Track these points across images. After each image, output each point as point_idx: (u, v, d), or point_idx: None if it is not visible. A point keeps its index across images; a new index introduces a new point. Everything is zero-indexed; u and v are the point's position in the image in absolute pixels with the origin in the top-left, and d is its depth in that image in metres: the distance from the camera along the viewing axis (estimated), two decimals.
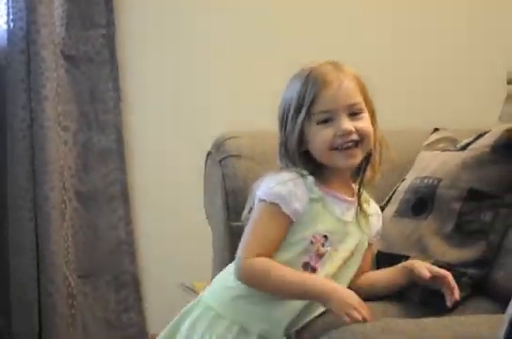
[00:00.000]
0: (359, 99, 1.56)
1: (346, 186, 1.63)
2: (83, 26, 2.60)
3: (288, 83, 1.60)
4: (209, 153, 2.13)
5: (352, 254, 1.61)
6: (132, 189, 2.72)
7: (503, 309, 1.18)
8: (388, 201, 1.93)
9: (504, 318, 1.09)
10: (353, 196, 1.63)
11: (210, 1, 2.62)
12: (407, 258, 1.74)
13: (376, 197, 2.08)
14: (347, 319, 1.45)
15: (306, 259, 1.56)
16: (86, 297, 2.69)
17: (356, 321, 1.45)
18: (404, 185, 1.89)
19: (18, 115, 2.53)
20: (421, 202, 1.79)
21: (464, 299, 1.66)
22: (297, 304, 1.56)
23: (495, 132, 1.75)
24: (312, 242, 1.56)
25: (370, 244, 1.68)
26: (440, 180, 1.77)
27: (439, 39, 2.70)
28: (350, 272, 1.63)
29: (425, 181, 1.81)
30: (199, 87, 2.63)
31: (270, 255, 1.54)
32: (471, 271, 1.68)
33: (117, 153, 2.67)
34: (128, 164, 2.70)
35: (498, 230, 1.71)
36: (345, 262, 1.60)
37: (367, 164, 1.61)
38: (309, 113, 1.54)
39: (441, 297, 1.63)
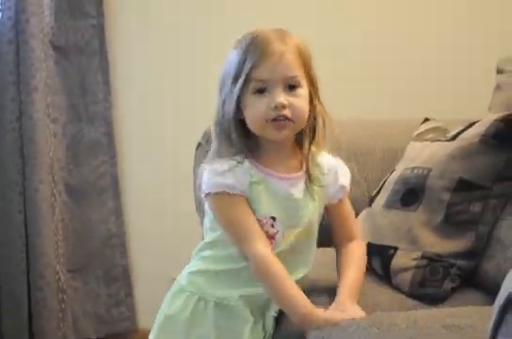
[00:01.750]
0: (298, 73, 1.54)
1: (288, 161, 1.62)
2: (72, 16, 2.58)
3: (232, 48, 1.58)
4: (199, 145, 2.15)
5: (310, 225, 1.61)
6: (122, 182, 2.71)
7: (492, 300, 1.17)
8: (378, 192, 1.92)
9: (494, 309, 1.07)
10: (300, 169, 1.61)
11: None
12: (396, 249, 1.73)
13: (367, 188, 2.09)
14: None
15: None
16: (76, 291, 2.68)
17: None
18: (393, 176, 1.88)
19: (7, 107, 2.52)
20: (410, 193, 1.78)
21: (454, 291, 1.66)
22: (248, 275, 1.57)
23: (485, 122, 1.73)
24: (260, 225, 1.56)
25: (340, 201, 1.65)
26: (429, 170, 1.76)
27: (429, 28, 2.69)
28: (312, 241, 1.63)
29: (415, 171, 1.80)
30: (189, 79, 2.62)
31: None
32: (460, 262, 1.68)
33: (107, 146, 2.66)
34: (118, 156, 2.69)
35: (487, 221, 1.70)
36: (303, 236, 1.60)
37: (312, 139, 1.61)
38: (247, 81, 1.52)
39: (431, 288, 1.62)
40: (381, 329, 1.39)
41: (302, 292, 1.52)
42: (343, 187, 1.65)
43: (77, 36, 2.60)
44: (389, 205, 1.83)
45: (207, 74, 2.65)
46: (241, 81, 1.52)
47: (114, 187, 2.68)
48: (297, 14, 2.61)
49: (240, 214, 1.55)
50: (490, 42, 2.63)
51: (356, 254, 1.65)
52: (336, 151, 1.68)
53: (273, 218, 1.57)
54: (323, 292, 1.65)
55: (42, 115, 2.53)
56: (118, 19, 2.66)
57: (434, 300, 1.63)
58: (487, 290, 1.65)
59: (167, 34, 2.67)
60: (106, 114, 2.65)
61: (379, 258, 1.77)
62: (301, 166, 1.62)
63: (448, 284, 1.66)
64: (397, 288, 1.70)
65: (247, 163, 1.57)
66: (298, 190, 1.60)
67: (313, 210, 1.62)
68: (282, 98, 1.52)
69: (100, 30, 2.60)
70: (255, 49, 1.52)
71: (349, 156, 2.15)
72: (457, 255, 1.68)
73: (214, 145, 1.61)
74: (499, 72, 2.09)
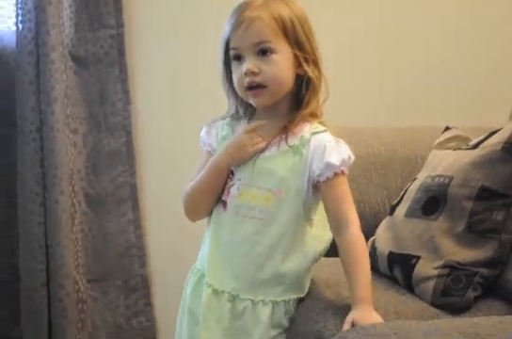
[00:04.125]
0: (270, 38, 1.58)
1: (274, 126, 1.64)
2: (91, 27, 2.58)
3: None
4: None
5: (278, 191, 1.61)
6: (141, 192, 2.71)
7: None
8: (399, 201, 1.92)
9: None
10: (282, 135, 1.64)
11: (221, 1, 2.60)
12: (418, 258, 1.72)
13: (387, 197, 2.08)
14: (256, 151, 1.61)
15: (220, 194, 1.67)
16: (95, 301, 2.68)
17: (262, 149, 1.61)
18: (415, 185, 1.88)
19: (27, 117, 2.52)
20: (432, 201, 1.77)
21: (476, 300, 1.65)
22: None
23: (506, 130, 1.73)
24: None
25: (330, 181, 1.61)
26: (451, 178, 1.75)
27: (449, 35, 2.69)
28: (282, 211, 1.62)
29: (437, 179, 1.79)
30: (208, 88, 2.61)
31: None
32: (482, 271, 1.67)
33: (126, 156, 2.66)
34: (138, 167, 2.69)
35: (510, 229, 1.69)
36: (261, 200, 1.62)
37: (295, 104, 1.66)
38: (227, 49, 1.62)
39: (453, 297, 1.61)
40: (399, 335, 1.38)
41: None
42: (329, 165, 1.59)
43: (96, 46, 2.60)
44: (410, 214, 1.83)
45: None
46: (222, 50, 1.63)
47: (133, 198, 2.68)
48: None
49: (201, 163, 1.71)
50: (510, 51, 2.62)
51: (357, 249, 1.60)
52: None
53: (231, 172, 1.65)
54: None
55: (62, 125, 2.53)
56: (137, 29, 2.65)
57: (457, 309, 1.63)
58: (509, 299, 1.64)
59: (185, 44, 2.68)
60: (126, 124, 2.65)
61: (401, 267, 1.77)
62: (290, 131, 1.64)
63: (471, 293, 1.65)
64: (420, 297, 1.69)
65: (227, 120, 1.70)
66: (268, 152, 1.63)
67: (282, 177, 1.61)
68: (251, 64, 1.58)
69: (119, 41, 2.60)
70: (231, 18, 1.61)
71: (369, 165, 2.15)
72: (480, 264, 1.67)
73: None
74: None
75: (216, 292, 1.64)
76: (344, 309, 1.62)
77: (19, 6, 2.48)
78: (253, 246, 1.63)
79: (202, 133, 1.74)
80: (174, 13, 2.66)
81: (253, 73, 1.58)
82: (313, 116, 1.65)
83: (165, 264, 2.74)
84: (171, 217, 2.72)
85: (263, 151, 1.63)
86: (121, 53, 2.62)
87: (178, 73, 2.68)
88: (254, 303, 1.64)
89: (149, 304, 2.72)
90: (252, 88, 1.59)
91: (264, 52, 1.58)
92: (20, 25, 2.49)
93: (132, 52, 2.65)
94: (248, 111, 1.70)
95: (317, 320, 1.63)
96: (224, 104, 1.75)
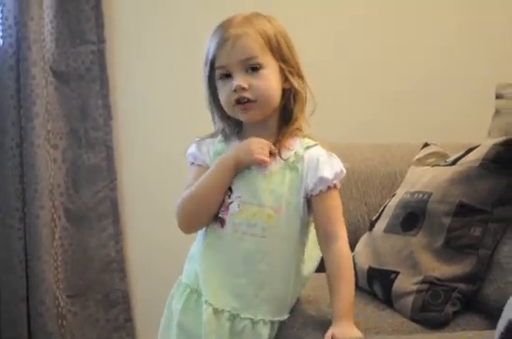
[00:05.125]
0: (257, 54, 1.59)
1: (268, 140, 1.65)
2: (73, 43, 2.59)
3: None
4: None
5: (279, 208, 1.61)
6: (122, 207, 2.71)
7: (494, 324, 1.17)
8: (378, 217, 1.93)
9: (495, 334, 1.08)
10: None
11: (207, 17, 2.60)
12: (397, 274, 1.73)
13: (367, 212, 2.09)
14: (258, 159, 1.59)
15: (219, 213, 1.64)
16: (75, 316, 2.67)
17: (263, 162, 1.60)
18: (394, 201, 1.89)
19: (8, 133, 2.52)
20: (411, 217, 1.78)
21: (455, 315, 1.66)
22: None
23: (485, 146, 1.74)
24: None
25: (322, 193, 1.62)
26: (430, 194, 1.76)
27: (427, 52, 2.71)
28: (283, 227, 1.62)
29: (416, 196, 1.80)
30: (191, 103, 2.62)
31: None
32: (461, 286, 1.67)
33: (107, 171, 2.66)
34: (118, 181, 2.69)
35: (488, 245, 1.70)
36: (263, 217, 1.61)
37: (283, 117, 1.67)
38: (212, 68, 1.62)
39: (432, 312, 1.62)
40: None
41: None
42: (322, 179, 1.61)
43: (78, 62, 2.61)
44: (389, 230, 1.84)
45: None
46: (207, 69, 1.63)
47: (114, 213, 2.68)
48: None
49: (190, 178, 1.68)
50: (489, 67, 2.65)
51: (343, 264, 1.61)
52: None
53: (230, 189, 1.63)
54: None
55: (43, 141, 2.53)
56: (118, 45, 2.66)
57: (436, 324, 1.63)
58: (488, 314, 1.65)
59: (166, 60, 2.69)
60: (107, 139, 2.65)
61: (381, 283, 1.77)
62: (282, 148, 1.65)
63: (449, 308, 1.65)
64: (399, 312, 1.70)
65: (219, 137, 1.69)
66: (265, 169, 1.63)
67: (281, 194, 1.61)
68: (241, 80, 1.59)
69: (100, 56, 2.61)
70: (215, 37, 1.62)
71: (349, 181, 2.16)
72: (458, 279, 1.68)
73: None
74: (498, 97, 2.10)
75: (215, 311, 1.62)
76: (323, 324, 1.62)
77: (0, 21, 2.49)
78: (255, 264, 1.62)
79: (192, 149, 1.71)
80: (155, 29, 2.68)
81: (243, 89, 1.58)
82: (299, 129, 1.67)
83: (145, 278, 2.74)
84: (152, 231, 2.73)
85: (263, 167, 1.63)
86: (103, 68, 2.62)
87: (159, 89, 2.69)
88: (254, 322, 1.63)
89: (129, 319, 2.72)
90: (241, 103, 1.60)
91: (253, 68, 1.59)
92: (0, 41, 2.50)
93: (113, 67, 2.66)
94: (236, 131, 1.70)
95: (297, 336, 1.64)
96: (207, 119, 1.75)
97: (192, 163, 1.70)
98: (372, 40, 2.70)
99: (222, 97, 1.63)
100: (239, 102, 1.60)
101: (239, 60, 1.59)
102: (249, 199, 1.62)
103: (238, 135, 1.69)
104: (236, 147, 1.64)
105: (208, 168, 1.66)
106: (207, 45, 1.63)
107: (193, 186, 1.64)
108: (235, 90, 1.58)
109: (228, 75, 1.60)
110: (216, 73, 1.62)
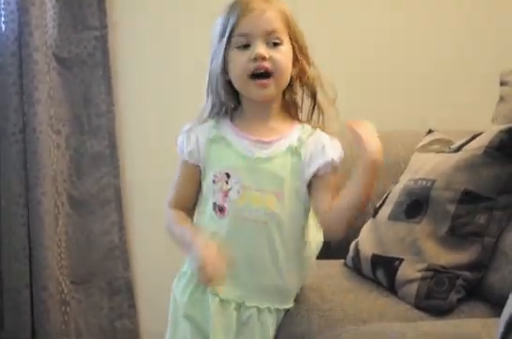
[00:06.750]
0: (279, 28, 1.59)
1: (269, 124, 1.65)
2: (75, 28, 2.57)
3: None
4: None
5: (280, 193, 1.60)
6: (125, 194, 2.70)
7: (498, 312, 1.17)
8: (382, 204, 1.92)
9: (500, 322, 1.07)
10: (280, 134, 1.63)
11: (205, 3, 2.60)
12: (401, 261, 1.73)
13: (370, 200, 2.08)
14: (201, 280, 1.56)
15: (214, 199, 1.62)
16: (79, 303, 2.67)
17: (205, 282, 1.55)
18: (398, 188, 1.88)
19: (10, 119, 2.51)
20: (415, 205, 1.78)
21: (459, 302, 1.66)
22: None
23: (489, 133, 1.74)
24: (213, 181, 1.62)
25: (321, 177, 1.62)
26: (434, 181, 1.76)
27: (432, 41, 2.69)
28: (289, 215, 1.61)
29: (419, 183, 1.80)
30: (193, 91, 2.61)
31: (187, 205, 1.70)
32: (465, 274, 1.68)
33: (109, 157, 2.65)
34: (121, 168, 2.68)
35: (493, 233, 1.70)
36: (263, 203, 1.59)
37: (314, 104, 1.66)
38: (230, 37, 1.58)
39: (436, 300, 1.62)
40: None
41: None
42: (328, 162, 1.61)
43: (80, 47, 2.59)
44: (393, 217, 1.83)
45: None
46: (226, 36, 1.58)
47: (117, 199, 2.67)
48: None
49: (184, 184, 1.71)
50: (494, 54, 2.63)
51: None
52: None
53: (227, 175, 1.61)
54: None
55: (46, 127, 2.52)
56: (120, 30, 2.65)
57: (440, 312, 1.63)
58: (492, 302, 1.65)
59: (169, 45, 2.67)
60: (109, 125, 2.64)
61: (384, 270, 1.77)
62: (282, 132, 1.64)
63: (453, 296, 1.66)
64: (403, 300, 1.70)
65: (212, 122, 1.66)
66: (266, 153, 1.62)
67: (283, 178, 1.60)
68: (263, 50, 1.57)
69: (103, 42, 2.59)
70: (237, 6, 1.59)
71: (352, 167, 2.15)
72: (463, 267, 1.68)
73: (203, 105, 1.70)
74: (502, 83, 2.09)
75: (222, 301, 1.62)
76: (328, 311, 1.63)
77: (1, 6, 2.47)
78: (257, 249, 1.61)
79: (180, 141, 1.70)
80: (158, 14, 2.66)
81: (263, 59, 1.56)
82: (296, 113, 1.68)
83: (149, 266, 2.73)
84: (155, 218, 2.70)
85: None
86: (105, 54, 2.60)
87: (162, 75, 2.68)
88: (260, 311, 1.63)
89: (132, 306, 2.71)
90: (258, 76, 1.57)
91: (274, 43, 1.58)
92: (2, 26, 2.48)
93: (116, 53, 2.65)
94: (227, 109, 1.68)
95: (301, 323, 1.64)
96: None
97: (180, 155, 1.70)
98: (376, 29, 2.69)
99: (236, 67, 1.59)
100: (254, 74, 1.57)
101: (264, 31, 1.57)
102: (250, 183, 1.60)
103: (232, 114, 1.68)
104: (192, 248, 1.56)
105: (195, 164, 1.66)
106: (223, 18, 1.60)
107: (172, 226, 1.69)
108: (255, 59, 1.56)
109: (246, 46, 1.58)
110: (234, 42, 1.59)
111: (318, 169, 1.61)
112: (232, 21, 1.58)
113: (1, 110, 2.52)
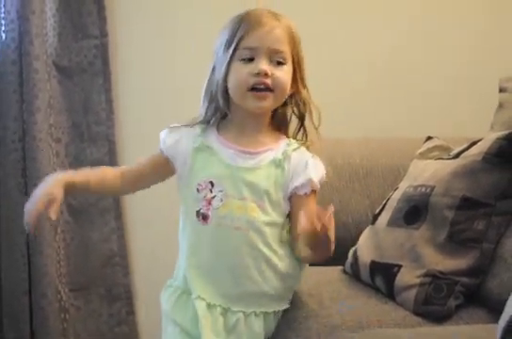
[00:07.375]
0: (285, 48, 1.60)
1: (256, 136, 1.66)
2: (75, 37, 2.59)
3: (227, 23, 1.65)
4: None
5: (263, 203, 1.61)
6: (124, 202, 2.71)
7: (496, 318, 1.17)
8: (381, 210, 1.92)
9: (498, 328, 1.07)
10: (266, 147, 1.65)
11: (211, 11, 2.61)
12: (400, 267, 1.73)
13: (370, 206, 2.09)
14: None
15: (197, 207, 1.63)
16: (78, 310, 2.67)
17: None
18: (397, 194, 1.89)
19: (10, 127, 2.52)
20: (414, 211, 1.78)
21: (458, 308, 1.66)
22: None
23: (488, 140, 1.74)
24: (198, 190, 1.63)
25: (306, 196, 1.64)
26: (433, 188, 1.76)
27: (430, 47, 2.70)
28: (270, 223, 1.62)
29: (419, 189, 1.80)
30: (193, 98, 2.62)
31: (130, 179, 1.80)
32: (464, 280, 1.67)
33: (109, 166, 2.65)
34: None
35: (491, 238, 1.70)
36: (246, 212, 1.60)
37: (301, 125, 1.68)
38: (237, 48, 1.59)
39: (435, 306, 1.63)
40: None
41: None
42: (309, 181, 1.63)
43: (80, 56, 2.60)
44: (392, 223, 1.84)
45: None
46: (233, 46, 1.59)
47: (116, 207, 2.68)
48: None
49: (144, 158, 1.78)
50: (493, 61, 2.64)
51: None
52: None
53: (211, 183, 1.62)
54: None
55: (45, 135, 2.53)
56: (121, 39, 2.66)
57: (438, 318, 1.63)
58: (491, 308, 1.65)
59: (169, 53, 2.68)
60: (109, 133, 2.65)
61: (383, 276, 1.77)
62: (269, 144, 1.66)
63: (452, 302, 1.66)
64: (401, 306, 1.70)
65: (198, 130, 1.67)
66: (250, 163, 1.63)
67: (265, 189, 1.61)
68: (266, 66, 1.58)
69: (103, 50, 2.60)
70: (249, 19, 1.60)
71: (352, 175, 2.16)
72: (461, 273, 1.68)
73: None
74: (501, 90, 2.10)
75: (208, 305, 1.62)
76: (326, 318, 1.63)
77: (2, 15, 2.49)
78: (240, 257, 1.61)
79: (171, 138, 1.72)
80: (158, 23, 2.67)
81: (265, 75, 1.58)
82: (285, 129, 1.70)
83: (148, 273, 2.74)
84: (154, 226, 2.72)
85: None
86: (105, 62, 2.62)
87: (162, 83, 2.69)
88: (246, 315, 1.63)
89: (131, 313, 2.72)
90: (258, 89, 1.59)
91: (278, 62, 1.60)
92: (3, 35, 2.50)
93: (116, 62, 2.66)
94: (216, 119, 1.69)
95: (299, 329, 1.64)
96: None
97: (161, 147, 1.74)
98: (376, 37, 2.70)
99: (237, 79, 1.60)
100: (254, 88, 1.59)
101: (271, 48, 1.59)
102: (233, 192, 1.61)
103: (219, 125, 1.69)
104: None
105: (165, 157, 1.71)
106: (231, 29, 1.61)
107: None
108: (258, 74, 1.58)
109: (250, 59, 1.59)
110: (238, 54, 1.60)
111: (302, 185, 1.63)
112: (240, 33, 1.59)
113: (1, 118, 2.53)
